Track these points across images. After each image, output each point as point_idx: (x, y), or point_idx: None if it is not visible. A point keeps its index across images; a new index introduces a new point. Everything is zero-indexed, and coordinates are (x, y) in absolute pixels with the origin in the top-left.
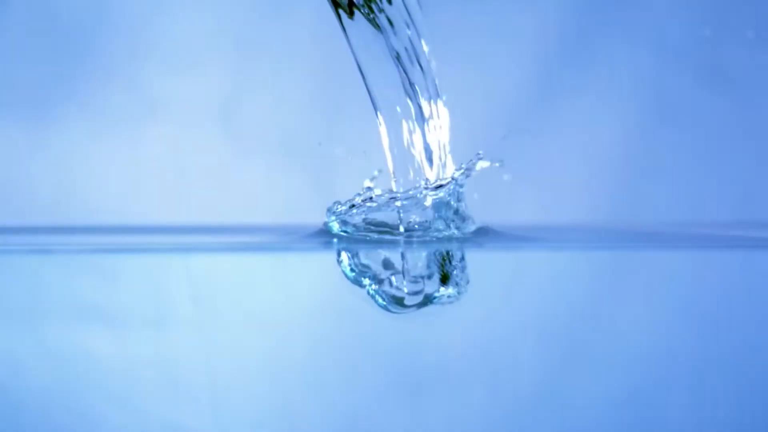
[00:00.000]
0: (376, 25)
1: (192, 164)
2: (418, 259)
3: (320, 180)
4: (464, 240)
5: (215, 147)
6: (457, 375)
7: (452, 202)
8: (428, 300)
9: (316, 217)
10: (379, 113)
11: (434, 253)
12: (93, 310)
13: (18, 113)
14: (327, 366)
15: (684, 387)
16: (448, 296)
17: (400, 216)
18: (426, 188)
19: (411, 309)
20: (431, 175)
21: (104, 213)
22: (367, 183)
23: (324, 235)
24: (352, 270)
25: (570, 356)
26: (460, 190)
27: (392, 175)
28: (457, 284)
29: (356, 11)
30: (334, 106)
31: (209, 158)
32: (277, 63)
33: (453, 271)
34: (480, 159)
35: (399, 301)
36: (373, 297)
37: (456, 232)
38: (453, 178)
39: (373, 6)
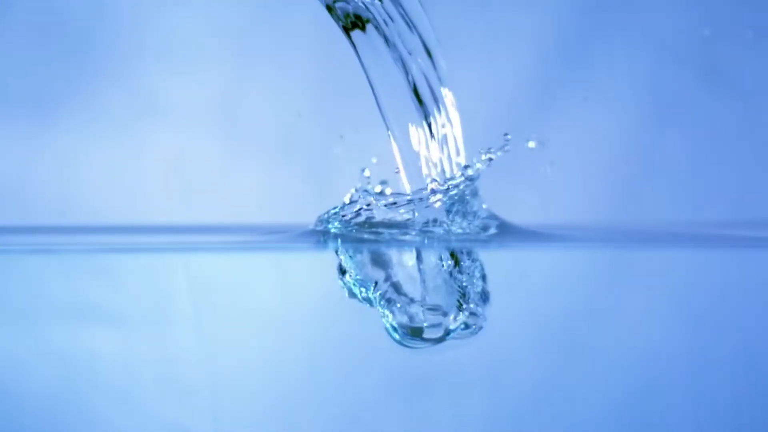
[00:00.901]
0: (383, 37)
1: (192, 164)
2: (438, 281)
3: (321, 179)
4: (477, 240)
5: (216, 147)
6: (460, 376)
7: (468, 197)
8: (447, 334)
9: (315, 216)
10: (386, 120)
11: (453, 275)
12: (93, 309)
13: (18, 113)
14: (327, 365)
15: (684, 387)
16: (462, 328)
17: (414, 214)
18: (434, 191)
19: (429, 343)
20: (440, 174)
21: (105, 213)
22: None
23: (324, 234)
24: (355, 285)
25: (572, 357)
26: (470, 177)
27: (403, 178)
28: (475, 314)
29: (360, 26)
30: (334, 105)
31: (209, 158)
32: (278, 62)
33: (471, 297)
34: (508, 140)
35: (416, 333)
36: (388, 331)
37: (467, 228)
38: (465, 176)
39: (378, 18)
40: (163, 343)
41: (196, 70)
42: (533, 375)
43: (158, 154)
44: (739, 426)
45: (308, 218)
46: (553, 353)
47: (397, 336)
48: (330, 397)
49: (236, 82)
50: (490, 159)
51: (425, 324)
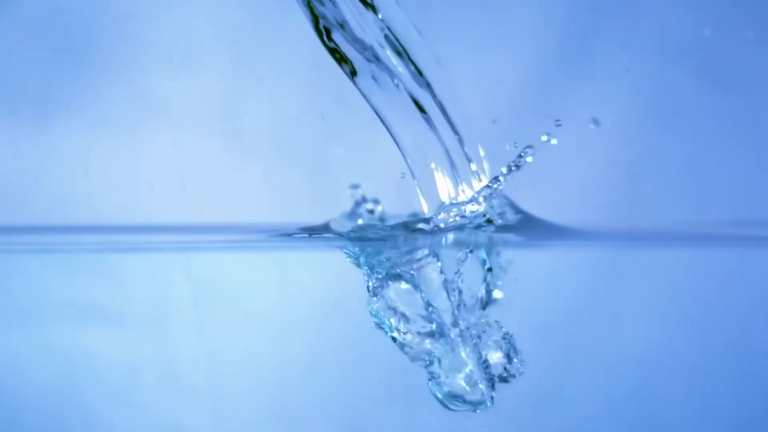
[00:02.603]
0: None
1: (192, 164)
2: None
3: (321, 179)
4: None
5: (215, 147)
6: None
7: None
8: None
9: (315, 217)
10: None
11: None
12: (93, 308)
13: (19, 113)
14: (327, 366)
15: (684, 386)
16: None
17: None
18: (458, 215)
19: (469, 406)
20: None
21: (105, 213)
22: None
23: (326, 232)
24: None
25: (573, 356)
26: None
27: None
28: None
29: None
30: (333, 106)
31: (210, 158)
32: (278, 63)
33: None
34: (559, 124)
35: (457, 396)
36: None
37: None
38: (489, 186)
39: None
40: (162, 342)
41: (197, 72)
42: (533, 375)
43: (159, 154)
44: (740, 425)
45: (308, 218)
46: (554, 353)
47: (439, 396)
48: (329, 396)
49: (237, 84)
50: (511, 169)
51: (467, 389)
